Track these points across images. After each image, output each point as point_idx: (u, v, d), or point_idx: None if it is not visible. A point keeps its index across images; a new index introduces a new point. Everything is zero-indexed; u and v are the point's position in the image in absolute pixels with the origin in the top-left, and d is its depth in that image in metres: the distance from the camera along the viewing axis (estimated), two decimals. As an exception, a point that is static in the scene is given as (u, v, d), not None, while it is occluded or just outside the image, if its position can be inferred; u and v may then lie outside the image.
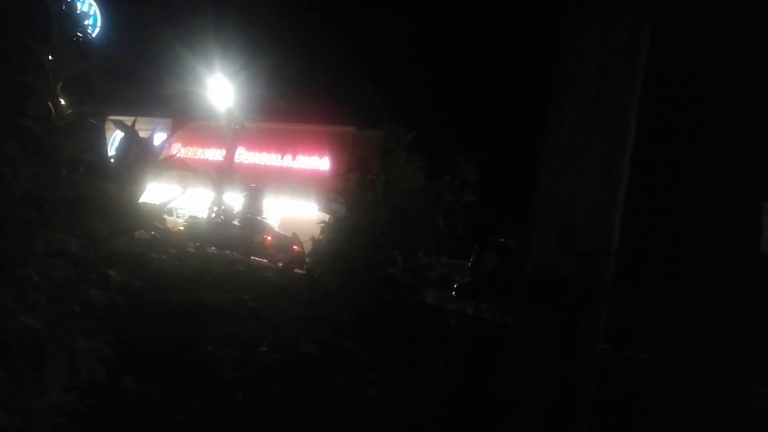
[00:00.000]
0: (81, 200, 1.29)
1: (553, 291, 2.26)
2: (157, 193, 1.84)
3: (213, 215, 2.27)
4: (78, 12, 1.99)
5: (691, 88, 3.15)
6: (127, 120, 1.82)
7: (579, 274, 2.20)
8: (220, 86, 18.62)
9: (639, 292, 3.14)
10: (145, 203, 1.72)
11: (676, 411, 2.74)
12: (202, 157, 24.11)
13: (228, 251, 2.16)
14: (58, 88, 1.37)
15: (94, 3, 22.10)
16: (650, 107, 2.80)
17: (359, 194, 2.13)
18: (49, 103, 1.34)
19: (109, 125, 1.88)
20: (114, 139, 1.87)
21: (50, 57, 1.31)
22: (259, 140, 23.22)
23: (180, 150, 24.19)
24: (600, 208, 2.32)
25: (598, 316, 2.26)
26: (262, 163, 23.90)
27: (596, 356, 2.32)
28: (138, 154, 1.74)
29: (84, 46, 1.82)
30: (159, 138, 1.89)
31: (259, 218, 2.18)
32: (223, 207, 2.23)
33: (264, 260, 2.36)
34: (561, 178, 2.39)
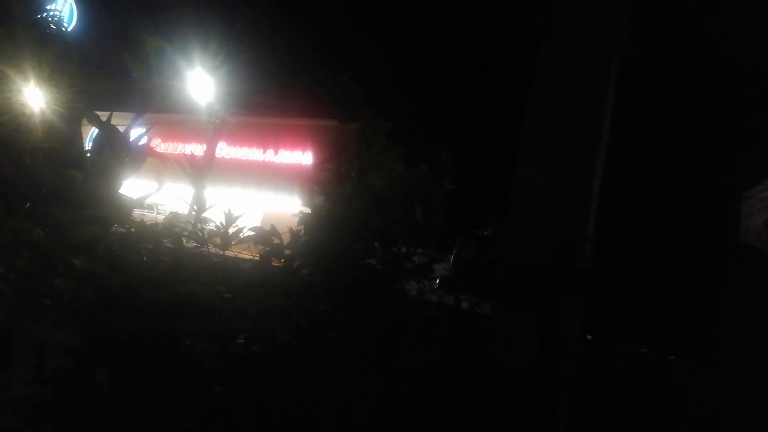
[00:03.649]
0: (46, 190, 1.27)
1: (531, 279, 2.28)
2: (136, 189, 1.81)
3: (192, 211, 2.24)
4: (40, -4, 1.95)
5: (670, 75, 3.19)
6: (104, 114, 1.80)
7: (556, 262, 2.22)
8: (200, 80, 18.43)
9: (619, 280, 3.18)
10: (120, 196, 1.70)
11: (657, 401, 2.78)
12: (182, 152, 23.84)
13: (205, 246, 2.14)
14: (23, 76, 1.34)
15: (69, -4, 21.67)
16: (628, 95, 2.83)
17: (336, 184, 2.12)
18: (12, 92, 1.31)
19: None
20: (92, 133, 1.85)
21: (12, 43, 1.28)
22: (240, 135, 23.04)
23: (159, 145, 23.91)
24: (575, 195, 2.34)
25: (576, 303, 2.29)
26: (243, 158, 23.70)
27: (575, 343, 2.35)
28: (114, 147, 1.72)
29: (50, 34, 1.79)
30: (137, 132, 1.87)
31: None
32: (199, 202, 2.20)
33: (240, 253, 2.34)
34: (537, 167, 2.41)
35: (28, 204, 1.38)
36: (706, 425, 2.54)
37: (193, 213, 2.21)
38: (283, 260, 2.19)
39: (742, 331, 2.88)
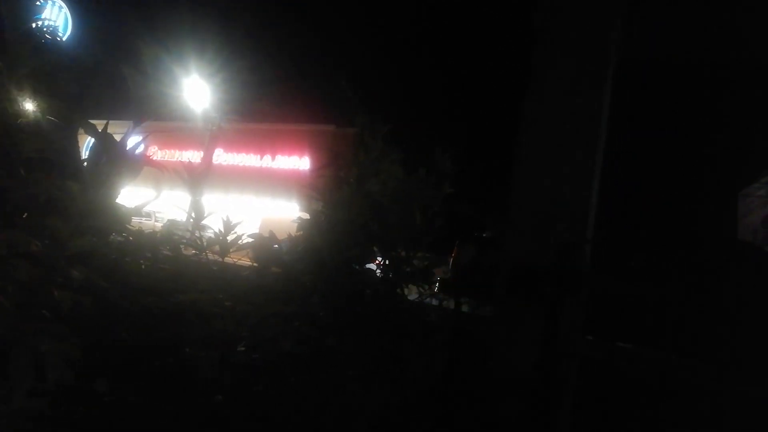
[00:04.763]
0: (44, 200, 1.26)
1: (531, 281, 2.28)
2: (133, 197, 1.81)
3: (190, 218, 2.24)
4: (36, 4, 1.94)
5: (668, 75, 3.20)
6: (100, 123, 1.79)
7: (556, 264, 2.22)
8: (196, 87, 18.43)
9: (619, 280, 3.17)
10: (117, 205, 1.69)
11: (659, 400, 2.77)
12: (179, 159, 23.81)
13: (203, 254, 2.13)
14: (17, 85, 1.33)
15: (64, 5, 21.69)
16: (626, 95, 2.84)
17: (334, 190, 2.11)
18: (6, 102, 1.30)
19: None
20: (89, 142, 1.84)
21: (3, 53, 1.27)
22: (237, 141, 23.03)
23: (156, 153, 23.90)
24: (575, 196, 2.34)
25: (577, 305, 2.29)
26: (240, 164, 23.67)
27: (575, 345, 2.34)
28: (110, 156, 1.71)
29: (45, 43, 1.78)
30: (133, 140, 1.87)
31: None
32: (197, 209, 2.19)
33: (239, 260, 2.33)
34: (537, 169, 2.41)
35: (26, 215, 1.37)
36: (708, 424, 2.53)
37: (192, 220, 2.20)
38: (282, 266, 2.18)
39: (742, 329, 2.87)
